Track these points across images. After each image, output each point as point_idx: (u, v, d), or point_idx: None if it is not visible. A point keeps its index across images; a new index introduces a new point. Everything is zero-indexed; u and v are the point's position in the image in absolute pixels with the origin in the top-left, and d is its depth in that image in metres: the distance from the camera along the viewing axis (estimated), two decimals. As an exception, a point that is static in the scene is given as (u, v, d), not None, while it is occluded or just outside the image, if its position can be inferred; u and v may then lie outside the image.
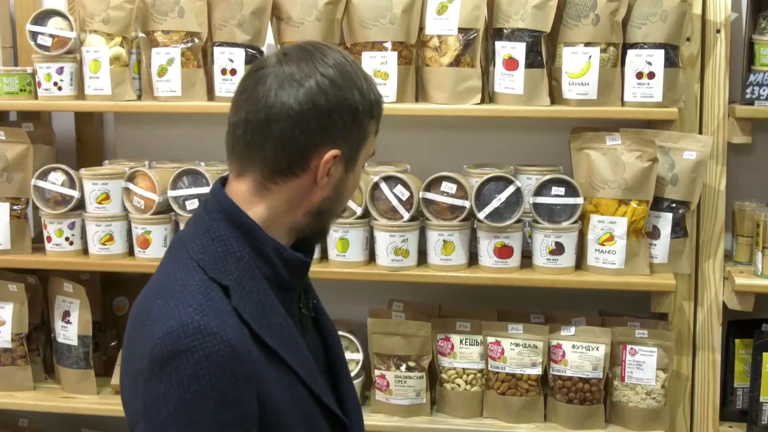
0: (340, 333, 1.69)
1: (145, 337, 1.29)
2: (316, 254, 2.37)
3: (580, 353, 2.28)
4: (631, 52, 2.22)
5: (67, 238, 2.44)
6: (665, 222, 2.27)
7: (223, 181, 1.43)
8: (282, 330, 1.38)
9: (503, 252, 2.26)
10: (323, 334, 1.54)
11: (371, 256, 2.35)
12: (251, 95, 1.35)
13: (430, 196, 2.28)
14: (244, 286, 1.34)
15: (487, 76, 2.32)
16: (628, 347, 2.30)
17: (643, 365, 2.28)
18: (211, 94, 2.39)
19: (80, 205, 2.43)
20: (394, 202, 2.28)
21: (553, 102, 2.27)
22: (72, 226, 2.44)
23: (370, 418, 2.36)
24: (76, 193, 2.41)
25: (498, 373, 2.33)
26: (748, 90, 2.25)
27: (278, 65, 1.35)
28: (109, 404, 2.46)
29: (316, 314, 1.55)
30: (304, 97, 1.33)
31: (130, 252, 2.44)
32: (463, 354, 2.37)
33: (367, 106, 1.38)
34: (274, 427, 1.33)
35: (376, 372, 2.38)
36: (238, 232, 1.37)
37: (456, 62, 2.26)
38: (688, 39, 2.26)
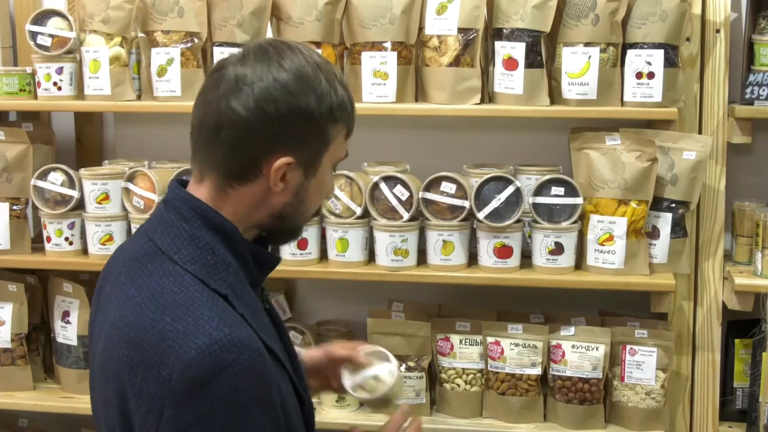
0: (377, 349, 1.75)
1: (167, 358, 1.24)
2: (316, 254, 2.37)
3: (580, 353, 2.28)
4: (630, 52, 2.22)
5: (66, 238, 2.44)
6: (665, 222, 2.27)
7: (182, 184, 1.41)
8: (269, 329, 1.39)
9: (503, 252, 2.26)
10: (276, 322, 1.51)
11: (371, 256, 2.35)
12: (207, 98, 1.34)
13: (430, 196, 2.28)
14: (237, 291, 1.34)
15: (486, 76, 2.32)
16: (628, 347, 2.30)
17: (643, 365, 2.28)
18: (210, 94, 2.39)
19: (80, 205, 2.43)
20: (394, 202, 2.28)
21: (552, 102, 2.27)
22: (72, 226, 2.44)
23: (370, 418, 2.36)
24: (75, 193, 2.41)
25: (498, 373, 2.33)
26: (748, 90, 2.25)
27: (236, 65, 1.33)
28: (108, 404, 2.46)
29: (269, 304, 1.53)
30: (253, 103, 1.30)
31: (130, 252, 2.44)
32: (462, 354, 2.37)
33: (326, 111, 1.34)
34: (288, 425, 1.34)
35: (376, 372, 2.38)
36: (220, 237, 1.35)
37: (456, 62, 2.26)
38: (688, 39, 2.26)
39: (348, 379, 1.70)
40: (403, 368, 2.35)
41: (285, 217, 1.39)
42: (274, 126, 1.31)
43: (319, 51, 2.23)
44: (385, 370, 1.71)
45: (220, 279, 1.32)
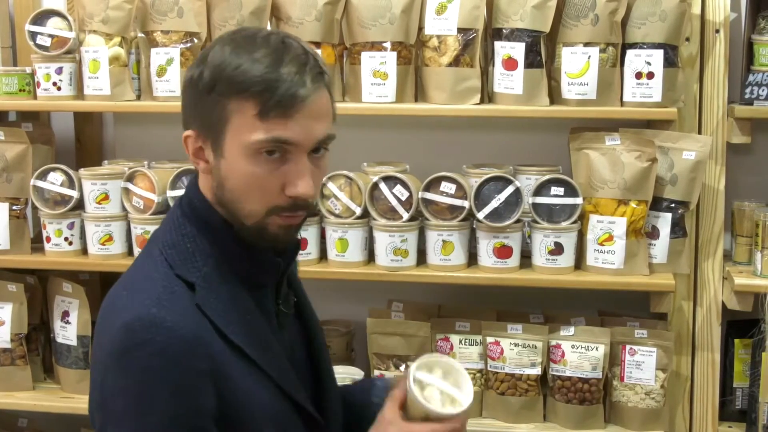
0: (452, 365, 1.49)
1: (107, 328, 1.31)
2: (315, 254, 2.37)
3: (580, 353, 2.28)
4: (630, 52, 2.22)
5: (66, 238, 2.44)
6: (664, 222, 2.27)
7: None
8: (250, 327, 1.37)
9: (502, 252, 2.26)
10: (306, 331, 1.52)
11: (370, 256, 2.35)
12: None
13: (430, 196, 2.28)
14: (211, 283, 1.34)
15: (486, 76, 2.32)
16: (628, 347, 2.30)
17: (643, 365, 2.28)
18: (210, 94, 2.39)
19: (79, 205, 2.43)
20: (394, 202, 2.28)
21: (552, 102, 2.27)
22: (71, 226, 2.44)
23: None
24: (75, 193, 2.41)
25: (497, 373, 2.33)
26: (747, 90, 2.25)
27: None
28: (108, 404, 2.46)
29: (300, 311, 1.53)
30: (187, 72, 1.36)
31: (130, 252, 2.44)
32: (462, 354, 2.37)
33: (214, 83, 1.29)
34: (242, 423, 1.33)
35: (376, 372, 2.38)
36: (207, 229, 1.36)
37: (455, 62, 2.26)
38: (688, 39, 2.26)
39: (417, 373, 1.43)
40: (402, 368, 2.35)
41: (225, 204, 1.36)
42: (183, 97, 1.37)
43: (319, 51, 2.23)
44: (459, 395, 1.42)
45: (193, 268, 1.34)
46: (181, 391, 1.27)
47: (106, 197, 2.40)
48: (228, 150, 1.31)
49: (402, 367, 2.35)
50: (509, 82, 2.25)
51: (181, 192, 2.33)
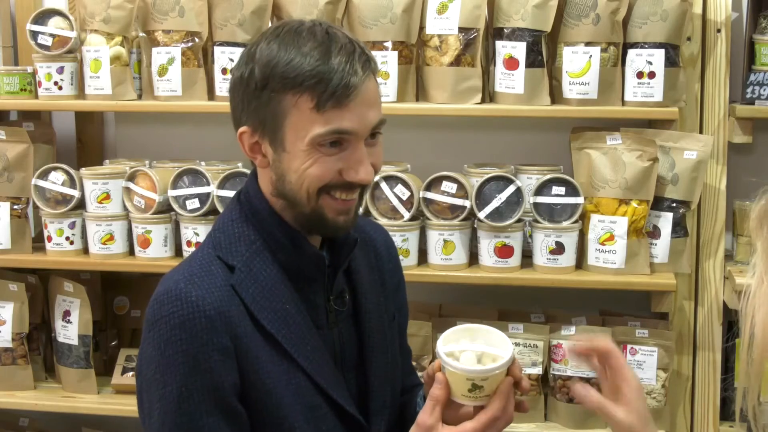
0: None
1: (150, 301, 1.38)
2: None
3: (581, 353, 2.28)
4: (631, 52, 2.22)
5: (67, 238, 2.44)
6: (666, 222, 2.27)
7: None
8: (287, 316, 1.38)
9: (504, 251, 2.26)
10: (361, 332, 1.51)
11: (372, 256, 2.35)
12: None
13: (431, 195, 2.28)
14: (251, 268, 1.38)
15: (487, 75, 2.32)
16: (629, 347, 2.30)
17: (644, 365, 2.28)
18: (211, 93, 2.40)
19: (81, 204, 2.43)
20: (395, 202, 2.28)
21: (553, 101, 2.27)
22: (72, 226, 2.44)
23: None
24: (76, 193, 2.41)
25: (498, 372, 2.33)
26: (749, 89, 2.25)
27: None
28: (109, 404, 2.46)
29: (358, 312, 1.51)
30: (235, 71, 1.39)
31: (131, 251, 2.44)
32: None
33: (268, 79, 1.32)
34: (268, 408, 1.35)
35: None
36: (255, 217, 1.41)
37: (456, 62, 2.26)
38: (689, 38, 2.26)
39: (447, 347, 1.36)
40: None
41: (284, 195, 1.39)
42: (234, 95, 1.38)
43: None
44: (496, 350, 1.35)
45: (236, 251, 1.39)
46: (199, 365, 1.31)
47: (108, 197, 2.40)
48: (289, 144, 1.34)
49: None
50: (510, 81, 2.25)
51: (181, 191, 2.35)
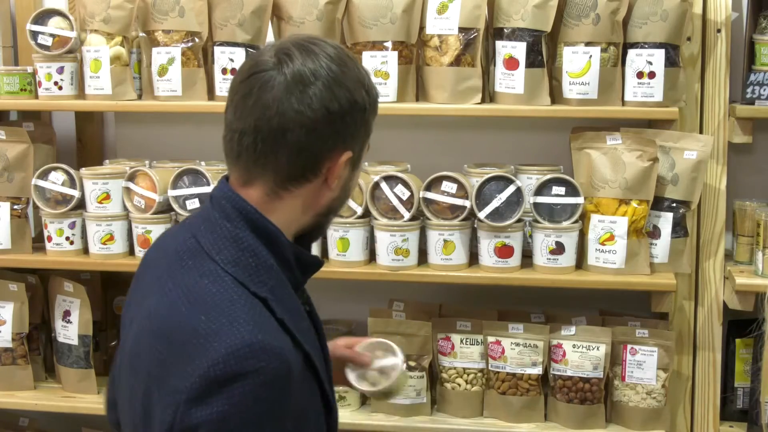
0: (383, 342, 1.75)
1: (196, 354, 1.23)
2: (317, 254, 2.36)
3: (581, 353, 2.28)
4: (631, 52, 2.22)
5: (67, 238, 2.44)
6: (666, 222, 2.27)
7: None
8: (309, 333, 1.38)
9: (504, 251, 2.26)
10: (316, 325, 1.51)
11: (372, 256, 2.35)
12: (259, 101, 1.30)
13: (431, 195, 2.28)
14: (277, 295, 1.32)
15: (487, 75, 2.32)
16: (629, 347, 2.30)
17: (644, 365, 2.28)
18: (211, 93, 2.40)
19: (81, 204, 2.43)
20: (395, 202, 2.28)
21: (553, 102, 2.27)
22: (72, 226, 2.44)
23: (370, 418, 2.36)
24: (76, 193, 2.41)
25: (498, 372, 2.33)
26: (749, 89, 2.25)
27: (281, 66, 1.30)
28: (109, 404, 2.46)
29: (310, 306, 1.52)
30: (317, 103, 1.30)
31: (131, 251, 2.44)
32: (463, 353, 2.37)
33: (372, 103, 1.38)
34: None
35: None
36: (263, 239, 1.34)
37: (456, 62, 2.26)
38: (689, 38, 2.26)
39: (352, 372, 1.70)
40: (404, 367, 2.35)
41: (330, 212, 1.42)
42: (336, 123, 1.32)
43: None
44: (389, 363, 1.71)
45: (260, 282, 1.31)
46: (283, 418, 1.25)
47: (108, 197, 2.40)
48: (360, 161, 1.42)
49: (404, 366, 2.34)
50: (510, 81, 2.25)
51: (181, 191, 2.35)
